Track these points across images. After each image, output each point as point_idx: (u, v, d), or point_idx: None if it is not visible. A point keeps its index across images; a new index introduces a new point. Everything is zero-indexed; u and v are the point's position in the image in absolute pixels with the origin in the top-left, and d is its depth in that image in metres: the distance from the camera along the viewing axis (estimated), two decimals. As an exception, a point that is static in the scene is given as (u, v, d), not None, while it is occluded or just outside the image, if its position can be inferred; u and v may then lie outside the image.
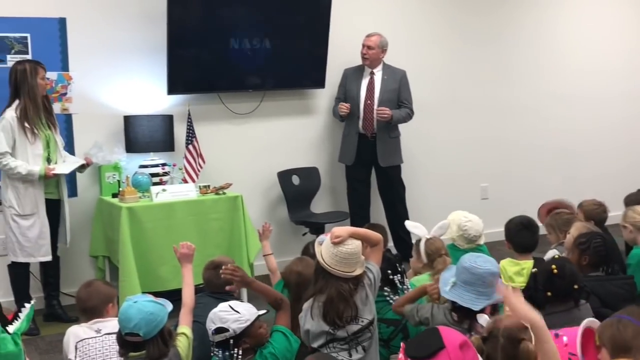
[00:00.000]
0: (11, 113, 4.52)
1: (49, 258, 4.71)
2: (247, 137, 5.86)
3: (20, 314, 2.77)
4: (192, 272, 3.38)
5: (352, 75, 5.91)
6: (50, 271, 4.88)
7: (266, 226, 4.16)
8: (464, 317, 2.85)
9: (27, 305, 2.84)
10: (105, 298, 3.15)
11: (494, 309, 2.90)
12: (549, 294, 3.01)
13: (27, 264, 4.72)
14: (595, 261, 3.52)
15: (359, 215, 5.88)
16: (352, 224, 5.68)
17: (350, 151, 5.86)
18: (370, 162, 5.89)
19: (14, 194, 4.57)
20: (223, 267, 3.28)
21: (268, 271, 4.07)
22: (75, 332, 3.05)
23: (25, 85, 4.54)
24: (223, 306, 2.86)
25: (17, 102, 4.55)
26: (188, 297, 3.23)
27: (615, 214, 4.68)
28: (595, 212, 4.41)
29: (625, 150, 7.51)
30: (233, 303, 2.88)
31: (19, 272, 4.72)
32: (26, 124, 4.51)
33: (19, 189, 4.57)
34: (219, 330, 2.80)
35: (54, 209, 4.76)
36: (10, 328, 2.70)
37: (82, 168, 4.86)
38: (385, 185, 6.00)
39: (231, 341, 2.79)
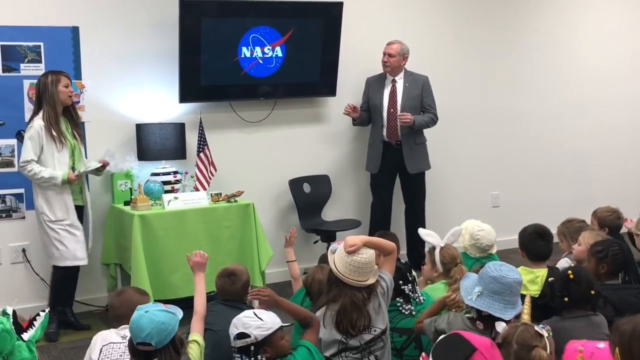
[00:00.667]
0: (39, 122, 4.62)
1: (84, 262, 4.80)
2: (259, 145, 5.87)
3: (35, 322, 2.78)
4: (205, 281, 3.39)
5: (374, 84, 5.91)
6: (66, 280, 4.88)
7: (292, 232, 4.13)
8: (489, 325, 2.84)
9: (42, 314, 2.86)
10: (137, 306, 3.14)
11: (516, 318, 2.88)
12: (566, 299, 2.99)
13: (68, 268, 4.79)
14: (613, 269, 3.48)
15: (381, 223, 5.87)
16: (372, 232, 5.69)
17: (375, 159, 5.86)
18: (395, 170, 5.89)
19: (44, 200, 4.66)
20: (250, 292, 3.30)
21: (290, 278, 4.05)
22: (103, 336, 3.07)
23: (47, 93, 4.63)
24: (247, 312, 2.86)
25: (42, 111, 4.65)
26: (200, 305, 3.24)
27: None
28: (610, 219, 4.38)
29: (637, 156, 7.45)
30: (257, 311, 2.87)
31: (59, 276, 4.80)
32: (53, 132, 4.61)
33: (49, 196, 4.66)
34: (241, 336, 2.78)
35: (78, 216, 4.82)
36: (25, 335, 2.73)
37: (99, 171, 4.88)
38: (410, 193, 6.00)
39: (252, 347, 2.78)
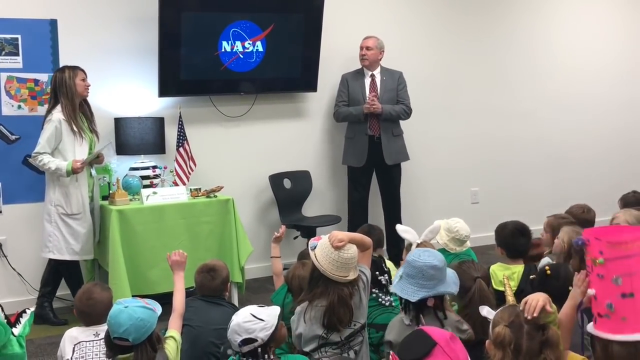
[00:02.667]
0: (58, 115, 4.66)
1: (91, 256, 4.89)
2: (239, 140, 5.85)
3: (21, 319, 2.79)
4: (184, 280, 3.41)
5: (352, 80, 5.92)
6: (57, 274, 4.90)
7: (283, 229, 4.13)
8: (408, 309, 2.89)
9: (28, 311, 2.86)
10: (106, 307, 3.11)
11: (441, 302, 2.89)
12: None
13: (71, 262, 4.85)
14: None
15: (358, 217, 5.88)
16: (350, 225, 5.69)
17: (361, 153, 5.84)
18: (373, 164, 5.89)
19: (63, 194, 4.71)
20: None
21: (272, 273, 4.03)
22: (74, 335, 3.05)
23: (64, 86, 4.68)
24: (245, 316, 2.71)
25: (60, 104, 4.68)
26: (178, 303, 3.28)
27: (606, 218, 4.70)
28: (579, 215, 4.40)
29: (615, 154, 7.54)
30: (253, 310, 2.75)
31: (71, 269, 4.87)
32: (74, 127, 4.67)
33: (69, 189, 4.71)
34: (247, 342, 2.67)
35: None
36: (15, 330, 2.74)
37: (97, 159, 4.87)
38: (387, 186, 6.02)
39: (259, 350, 2.69)
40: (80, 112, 4.78)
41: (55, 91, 4.71)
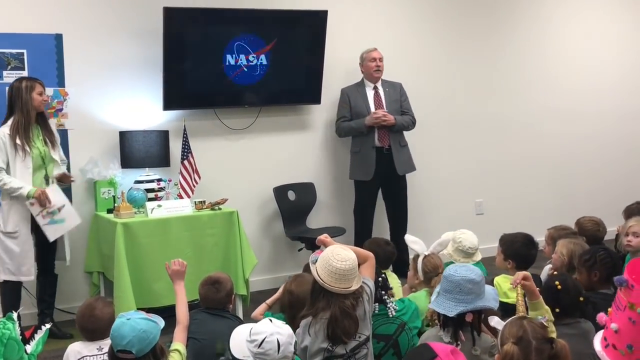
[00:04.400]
0: (4, 130, 4.55)
1: (30, 278, 4.67)
2: (243, 153, 5.87)
3: (35, 335, 2.77)
4: (185, 290, 3.39)
5: (354, 93, 5.93)
6: (48, 290, 4.85)
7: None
8: (446, 325, 2.85)
9: (43, 328, 2.84)
10: (109, 322, 3.11)
11: (479, 317, 2.86)
12: (557, 310, 2.98)
13: (17, 282, 4.67)
14: (605, 275, 3.45)
15: (365, 230, 5.88)
16: (357, 240, 5.67)
17: (369, 166, 5.83)
18: (382, 176, 5.87)
19: (1, 211, 4.60)
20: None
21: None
22: (77, 349, 3.04)
23: (19, 100, 4.56)
24: (287, 343, 2.66)
25: (12, 118, 4.58)
26: (182, 315, 3.26)
27: (611, 229, 4.70)
28: (588, 229, 4.36)
29: (619, 165, 7.53)
30: (288, 330, 2.73)
31: (6, 290, 4.68)
32: (17, 140, 4.52)
33: (3, 207, 4.58)
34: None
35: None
36: (28, 348, 2.70)
37: (61, 181, 4.77)
38: (395, 198, 6.01)
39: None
40: (37, 125, 4.65)
41: (12, 103, 4.59)
